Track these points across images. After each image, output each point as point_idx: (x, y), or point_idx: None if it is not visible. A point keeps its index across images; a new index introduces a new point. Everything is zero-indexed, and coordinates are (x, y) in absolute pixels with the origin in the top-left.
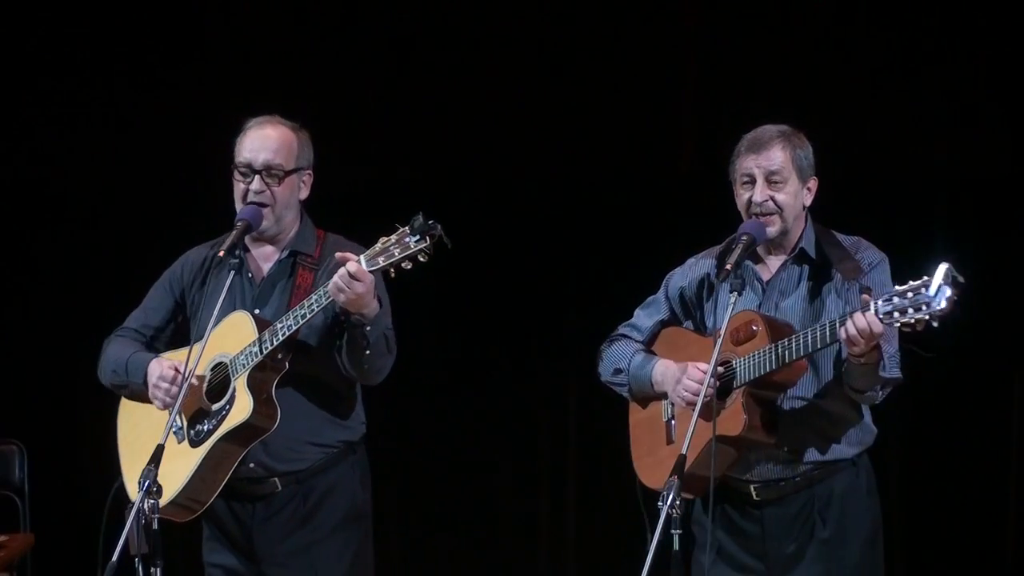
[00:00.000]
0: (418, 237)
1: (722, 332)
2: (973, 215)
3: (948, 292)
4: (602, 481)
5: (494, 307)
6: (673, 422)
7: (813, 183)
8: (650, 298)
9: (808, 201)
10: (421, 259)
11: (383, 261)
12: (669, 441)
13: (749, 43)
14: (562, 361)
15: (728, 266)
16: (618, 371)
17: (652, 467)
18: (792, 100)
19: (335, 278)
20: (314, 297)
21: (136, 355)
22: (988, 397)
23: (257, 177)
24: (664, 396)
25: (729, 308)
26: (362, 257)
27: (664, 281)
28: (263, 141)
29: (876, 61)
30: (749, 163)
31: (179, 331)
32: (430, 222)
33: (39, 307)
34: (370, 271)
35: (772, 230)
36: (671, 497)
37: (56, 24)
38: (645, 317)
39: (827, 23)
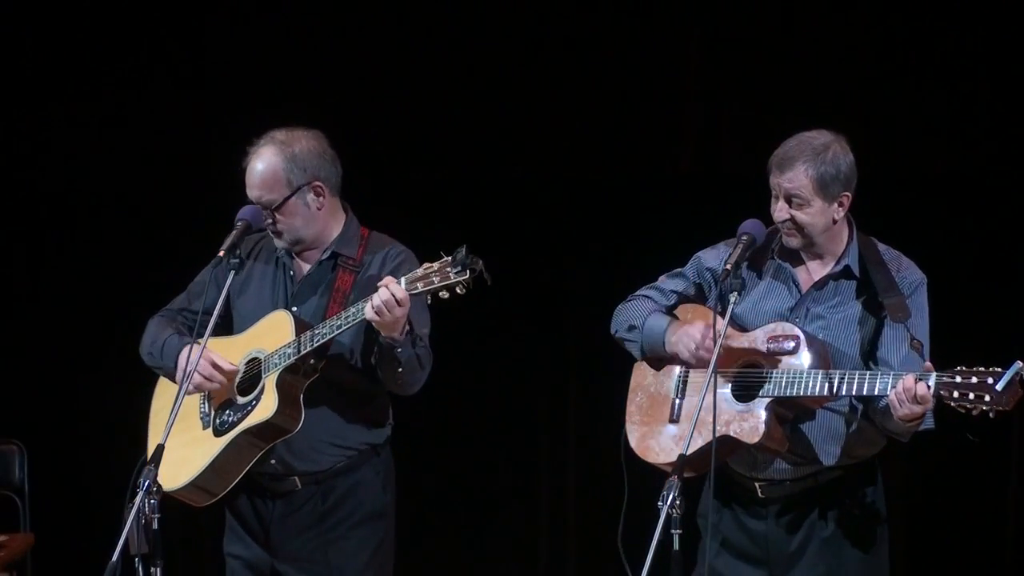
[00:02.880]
0: (459, 269)
1: (722, 332)
2: (972, 213)
3: (1015, 389)
4: (602, 479)
5: (494, 305)
6: (680, 401)
7: (845, 198)
8: (678, 269)
9: (839, 216)
10: (459, 291)
11: (422, 287)
12: (672, 419)
13: (749, 43)
14: (562, 358)
15: (728, 266)
16: (632, 327)
17: (647, 436)
18: (792, 99)
19: (376, 299)
20: (352, 310)
21: (171, 338)
22: (988, 424)
23: (265, 211)
24: (675, 358)
25: (729, 308)
26: (402, 280)
27: (694, 258)
28: (250, 177)
29: (876, 60)
30: (775, 180)
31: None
32: (472, 256)
33: (39, 307)
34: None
35: (793, 242)
36: (671, 497)
37: (60, 25)
38: (672, 284)
39: (827, 22)
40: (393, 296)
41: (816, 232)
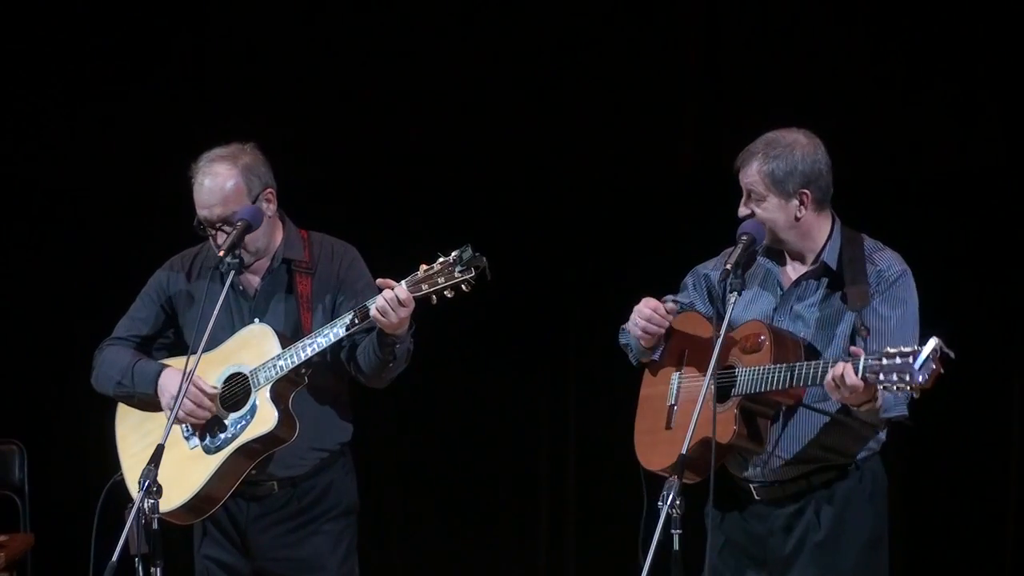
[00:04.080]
0: (464, 268)
1: (722, 333)
2: (971, 211)
3: (932, 367)
4: (603, 478)
5: (494, 304)
6: (675, 407)
7: (805, 196)
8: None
9: (801, 213)
10: (464, 288)
11: (426, 288)
12: (668, 426)
13: (749, 42)
14: (563, 357)
15: (728, 266)
16: (623, 330)
17: (648, 445)
18: (792, 99)
19: (382, 302)
20: (348, 318)
21: (140, 363)
22: (988, 397)
23: (220, 232)
24: (651, 349)
25: (729, 308)
26: (403, 283)
27: (692, 271)
28: (207, 196)
29: (875, 60)
30: (738, 176)
31: (170, 337)
32: (476, 254)
33: (39, 307)
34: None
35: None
36: (671, 497)
37: (52, 23)
38: (675, 297)
39: (827, 22)
40: (396, 298)
41: (778, 228)
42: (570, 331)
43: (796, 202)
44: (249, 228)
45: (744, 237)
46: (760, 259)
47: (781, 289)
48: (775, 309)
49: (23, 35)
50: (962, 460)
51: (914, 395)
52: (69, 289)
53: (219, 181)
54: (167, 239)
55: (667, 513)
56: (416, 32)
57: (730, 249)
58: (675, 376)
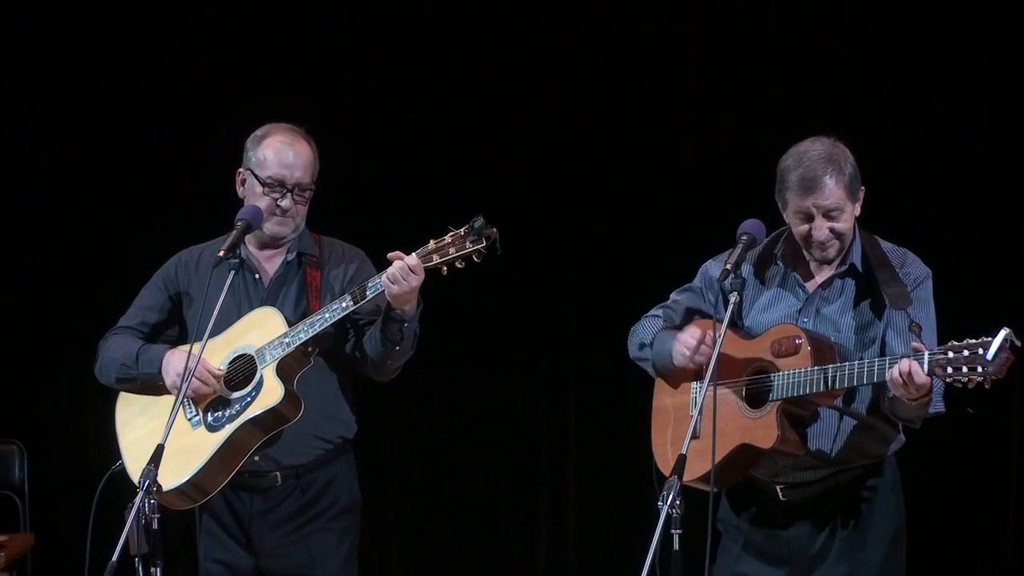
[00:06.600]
0: (475, 238)
1: (722, 330)
2: (969, 211)
3: (1005, 356)
4: (603, 478)
5: (494, 303)
6: (699, 417)
7: (863, 192)
8: (687, 285)
9: (859, 211)
10: (475, 259)
11: (438, 259)
12: (694, 435)
13: (749, 43)
14: (562, 357)
15: (728, 265)
16: (643, 346)
17: (674, 456)
18: (792, 98)
19: (393, 270)
20: (349, 295)
21: (146, 346)
22: (988, 397)
23: (289, 195)
24: (684, 371)
25: (730, 307)
26: (414, 254)
27: (701, 269)
28: (295, 158)
29: (875, 60)
30: (806, 203)
31: (175, 331)
32: (487, 224)
33: (38, 307)
34: (424, 267)
35: (831, 253)
36: (671, 497)
37: (52, 19)
38: (682, 300)
39: (826, 22)
40: (407, 266)
41: (849, 233)
42: (570, 331)
43: (858, 202)
44: (249, 228)
45: (744, 237)
46: (778, 264)
47: (804, 292)
48: (799, 311)
49: (23, 35)
50: (962, 459)
51: (986, 386)
52: (69, 289)
53: (304, 148)
54: (167, 238)
55: (667, 513)
56: (416, 32)
57: (727, 253)
58: (695, 385)
